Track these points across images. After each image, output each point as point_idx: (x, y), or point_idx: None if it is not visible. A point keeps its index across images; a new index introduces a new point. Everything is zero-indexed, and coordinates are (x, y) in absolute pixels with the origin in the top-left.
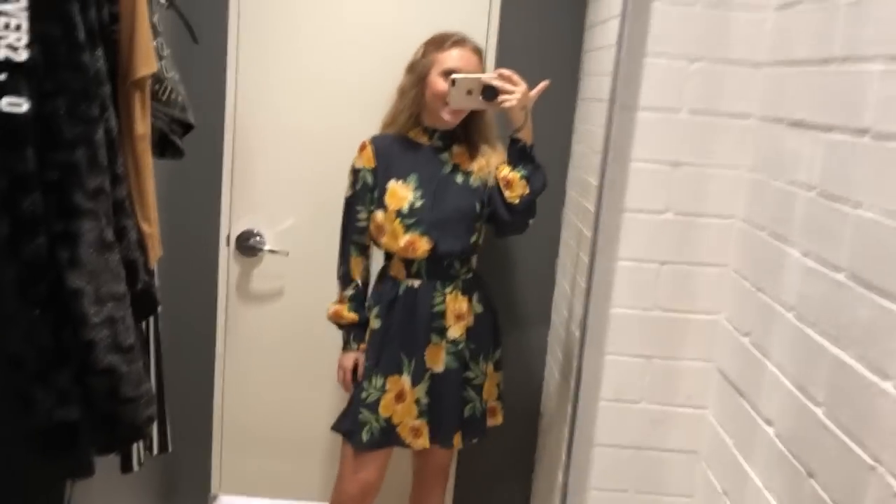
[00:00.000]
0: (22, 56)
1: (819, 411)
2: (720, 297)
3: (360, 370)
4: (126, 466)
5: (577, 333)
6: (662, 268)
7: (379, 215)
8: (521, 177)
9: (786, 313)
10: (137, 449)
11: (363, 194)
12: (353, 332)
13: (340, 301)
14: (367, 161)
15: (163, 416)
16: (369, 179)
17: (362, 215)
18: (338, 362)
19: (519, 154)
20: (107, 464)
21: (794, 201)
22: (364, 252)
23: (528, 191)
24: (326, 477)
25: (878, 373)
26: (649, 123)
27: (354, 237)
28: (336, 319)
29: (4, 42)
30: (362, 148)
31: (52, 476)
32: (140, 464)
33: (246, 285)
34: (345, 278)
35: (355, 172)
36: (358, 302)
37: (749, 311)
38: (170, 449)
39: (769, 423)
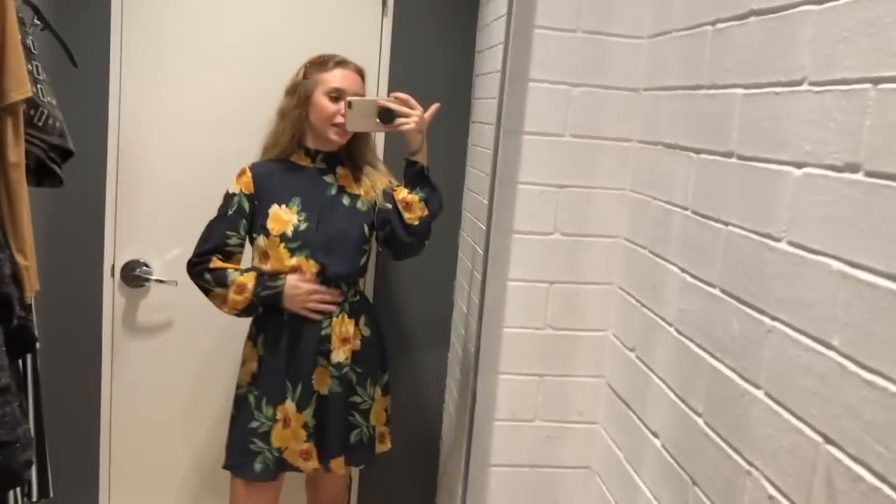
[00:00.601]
0: None
1: (700, 421)
2: (607, 314)
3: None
4: None
5: (474, 353)
6: (552, 287)
7: (261, 241)
8: (420, 199)
9: (667, 327)
10: (15, 496)
11: (236, 219)
12: (265, 278)
13: (230, 284)
14: (246, 186)
15: (43, 459)
16: (245, 205)
17: (233, 241)
18: (293, 297)
19: (417, 176)
20: None
21: (671, 220)
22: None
23: (426, 212)
24: None
25: (750, 382)
26: (535, 147)
27: (217, 256)
28: (239, 293)
29: None
30: (241, 174)
31: None
32: None
33: (133, 317)
34: (219, 277)
35: (230, 197)
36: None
37: (634, 326)
38: (51, 494)
39: (656, 434)
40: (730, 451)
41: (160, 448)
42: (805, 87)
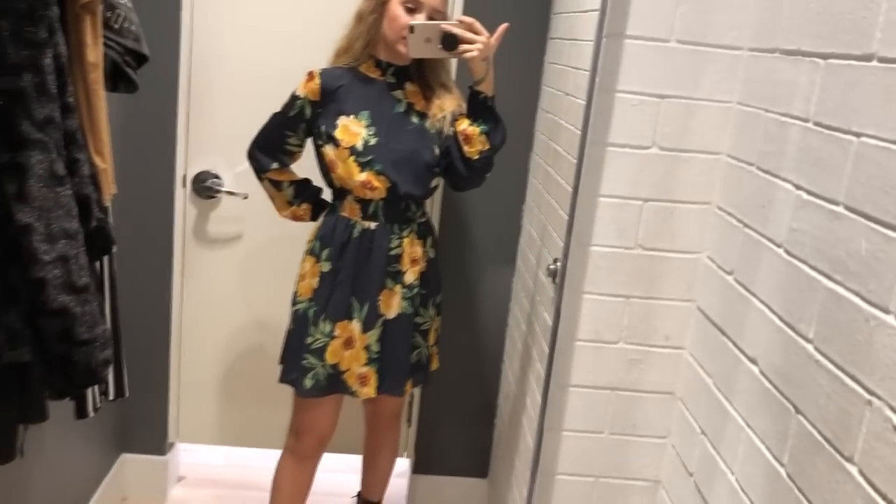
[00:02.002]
0: None
1: (809, 347)
2: (702, 235)
3: None
4: (81, 412)
5: (545, 278)
6: (645, 205)
7: (329, 151)
8: (482, 131)
9: (775, 248)
10: (93, 394)
11: (295, 122)
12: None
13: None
14: (311, 93)
15: (119, 359)
16: (307, 111)
17: (292, 141)
18: None
19: (480, 107)
20: (61, 409)
21: (786, 133)
22: (286, 170)
23: (487, 146)
24: (283, 425)
25: (878, 306)
26: (637, 52)
27: (279, 155)
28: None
29: None
30: (310, 78)
31: (3, 420)
32: (96, 409)
33: (203, 228)
34: (276, 184)
35: (294, 98)
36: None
37: (734, 248)
38: (126, 394)
39: (753, 360)
40: (846, 378)
41: (227, 356)
42: None
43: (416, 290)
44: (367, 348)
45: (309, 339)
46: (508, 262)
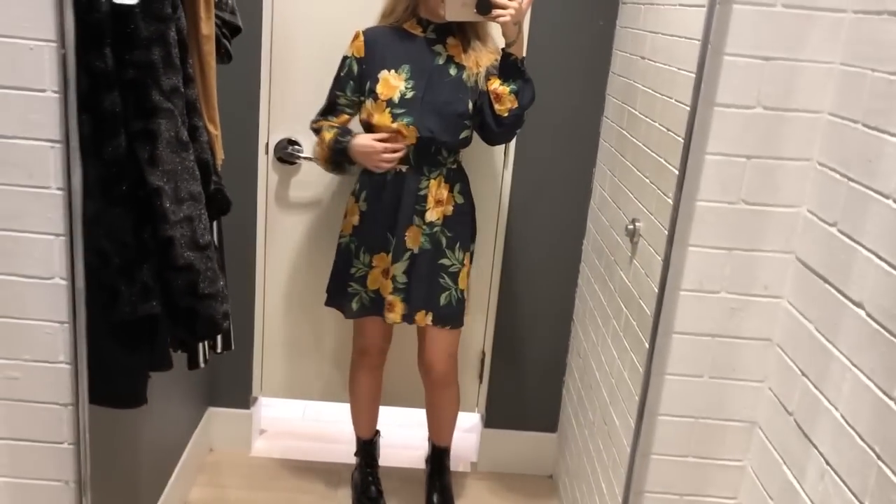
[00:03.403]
0: None
1: None
2: (803, 190)
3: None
4: (193, 363)
5: (620, 237)
6: (749, 162)
7: (368, 104)
8: (511, 91)
9: (883, 200)
10: (204, 346)
11: (345, 81)
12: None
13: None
14: (357, 50)
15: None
16: (354, 68)
17: (342, 101)
18: (360, 153)
19: (510, 68)
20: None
21: (892, 90)
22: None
23: (516, 104)
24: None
25: None
26: (744, 17)
27: (329, 116)
28: (320, 145)
29: None
30: (355, 38)
31: (136, 368)
32: (206, 361)
33: (284, 193)
34: (316, 131)
35: (343, 59)
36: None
37: (837, 201)
38: (233, 347)
39: (858, 304)
40: None
41: (306, 315)
42: None
43: (436, 229)
44: (393, 279)
45: (353, 270)
46: (578, 223)
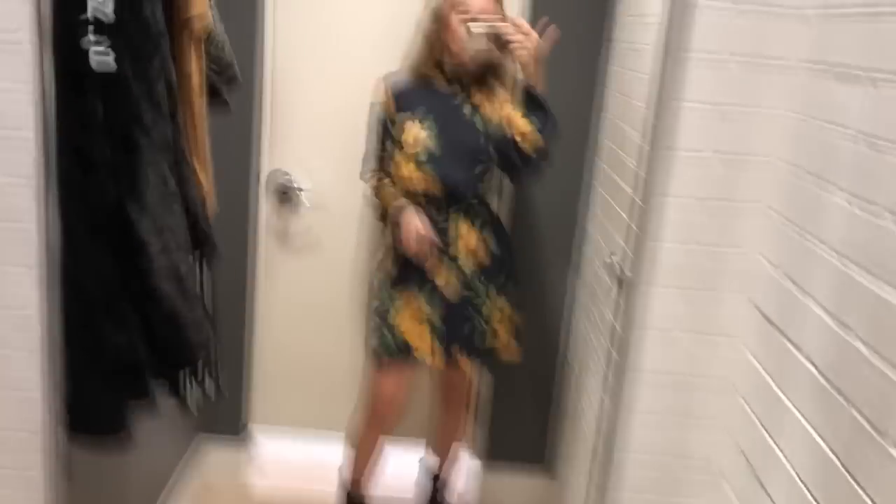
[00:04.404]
0: (109, 17)
1: (858, 344)
2: (758, 235)
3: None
4: (175, 392)
5: (603, 272)
6: (703, 205)
7: (395, 154)
8: (534, 128)
9: (825, 251)
10: (185, 374)
11: (379, 130)
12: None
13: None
14: (381, 97)
15: (216, 356)
16: (381, 115)
17: (380, 147)
18: (405, 226)
19: (531, 104)
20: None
21: (838, 145)
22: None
23: (540, 139)
24: (349, 409)
25: None
26: (698, 67)
27: (375, 168)
28: (388, 202)
29: (93, 2)
30: (377, 85)
31: (118, 399)
32: (187, 393)
33: (280, 227)
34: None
35: (372, 106)
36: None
37: (787, 248)
38: (225, 395)
39: (806, 355)
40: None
41: (300, 343)
42: None
43: (468, 276)
44: (429, 321)
45: (376, 304)
46: (565, 258)
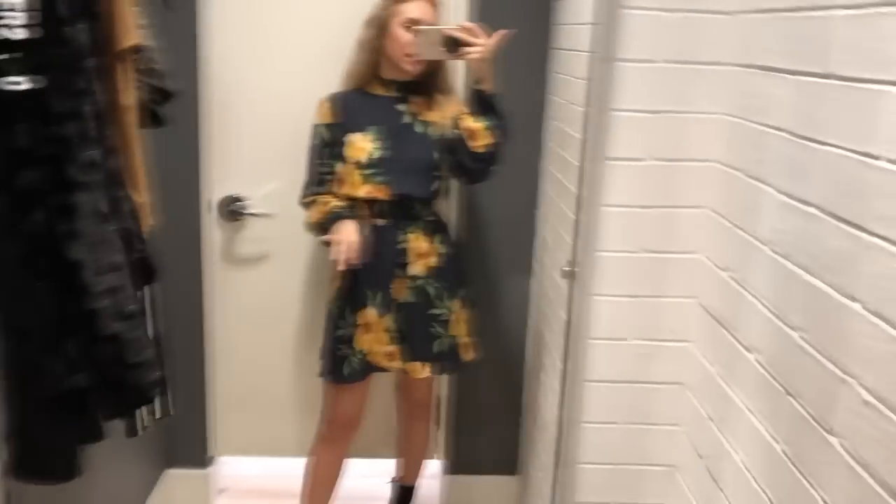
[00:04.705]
0: (17, 34)
1: (795, 335)
2: (700, 237)
3: (362, 238)
4: (131, 431)
5: (559, 280)
6: (645, 212)
7: (339, 168)
8: (486, 127)
9: (762, 247)
10: (141, 413)
11: (321, 149)
12: (339, 210)
13: (316, 206)
14: (324, 117)
15: (166, 380)
16: (326, 135)
17: (324, 169)
18: (333, 237)
19: (483, 104)
20: (111, 427)
21: (767, 142)
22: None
23: (492, 140)
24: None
25: (847, 296)
26: (629, 75)
27: (316, 188)
28: (317, 216)
29: (1, 22)
30: (320, 105)
31: (66, 441)
32: (144, 428)
33: (231, 249)
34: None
35: (314, 128)
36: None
37: (728, 247)
38: (172, 412)
39: (749, 350)
40: (826, 362)
41: (262, 370)
42: None
43: (420, 282)
44: (386, 330)
45: (340, 332)
46: (525, 265)
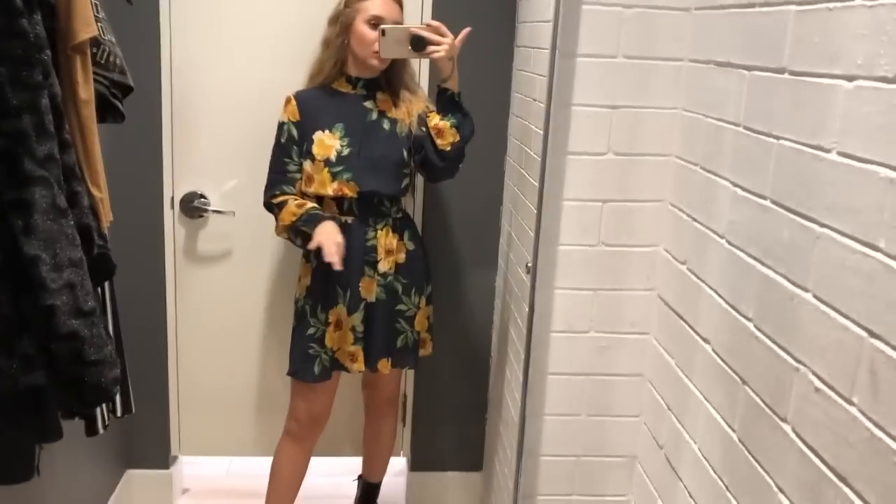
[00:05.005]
0: None
1: (750, 325)
2: (659, 230)
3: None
4: (91, 429)
5: (524, 275)
6: (605, 205)
7: (307, 165)
8: (451, 125)
9: (718, 239)
10: (102, 412)
11: (289, 147)
12: (316, 211)
13: (287, 207)
14: (292, 115)
15: (125, 377)
16: (294, 132)
17: (291, 167)
18: (317, 239)
19: (448, 103)
20: (69, 429)
21: (722, 136)
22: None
23: (458, 137)
24: (279, 432)
25: (799, 286)
26: (588, 69)
27: (284, 187)
28: (290, 217)
29: None
30: (287, 102)
31: (22, 441)
32: (105, 426)
33: (193, 247)
34: (279, 205)
35: (280, 126)
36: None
37: (686, 240)
38: (133, 410)
39: (706, 340)
40: (778, 350)
41: (224, 368)
42: (859, 1)
43: (389, 279)
44: (352, 329)
45: (311, 330)
46: (491, 261)
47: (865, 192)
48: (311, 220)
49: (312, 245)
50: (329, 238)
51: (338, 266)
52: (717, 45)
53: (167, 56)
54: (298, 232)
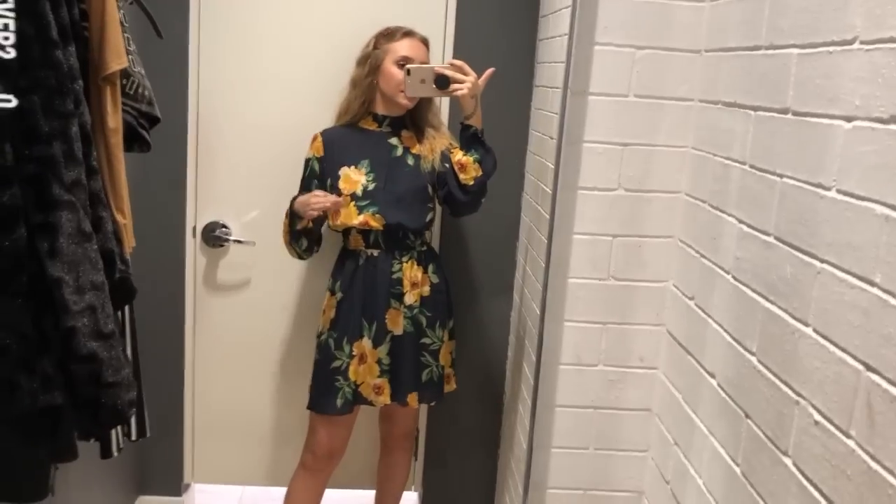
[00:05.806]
0: (10, 54)
1: (753, 359)
2: (668, 266)
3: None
4: (106, 452)
5: (537, 308)
6: (615, 240)
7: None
8: (474, 160)
9: (725, 275)
10: (116, 434)
11: (309, 181)
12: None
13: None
14: (316, 150)
15: (140, 401)
16: (316, 167)
17: None
18: (300, 204)
19: (471, 139)
20: (85, 449)
21: (729, 174)
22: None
23: (480, 172)
24: (291, 461)
25: (800, 320)
26: (600, 108)
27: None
28: (284, 229)
29: None
30: (314, 139)
31: (37, 460)
32: (119, 449)
33: (213, 276)
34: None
35: (306, 162)
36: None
37: (693, 276)
38: (148, 434)
39: (712, 374)
40: (780, 384)
41: (240, 397)
42: (856, 45)
43: (415, 311)
44: (378, 362)
45: (336, 363)
46: (507, 296)
47: (863, 229)
48: (295, 214)
49: (306, 219)
50: (307, 200)
51: (330, 200)
52: (725, 86)
53: (194, 88)
54: (290, 217)
